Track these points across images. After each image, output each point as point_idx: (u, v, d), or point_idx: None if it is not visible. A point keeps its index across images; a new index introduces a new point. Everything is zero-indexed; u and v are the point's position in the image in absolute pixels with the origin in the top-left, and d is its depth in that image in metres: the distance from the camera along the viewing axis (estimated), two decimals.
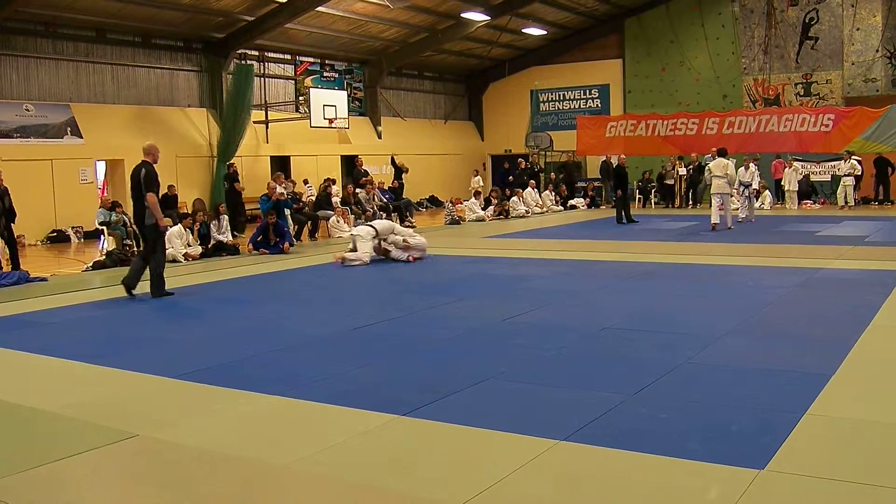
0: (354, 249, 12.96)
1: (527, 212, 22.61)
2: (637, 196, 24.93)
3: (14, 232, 12.95)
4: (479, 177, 25.97)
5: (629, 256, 12.79)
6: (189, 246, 14.13)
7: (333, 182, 19.89)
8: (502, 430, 4.55)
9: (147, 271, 10.06)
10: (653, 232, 16.91)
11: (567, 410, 4.92)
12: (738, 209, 18.56)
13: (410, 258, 12.85)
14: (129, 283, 9.97)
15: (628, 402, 5.04)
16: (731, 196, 17.47)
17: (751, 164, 19.61)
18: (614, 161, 21.59)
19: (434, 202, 27.80)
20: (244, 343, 7.15)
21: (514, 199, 22.61)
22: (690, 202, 24.30)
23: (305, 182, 22.27)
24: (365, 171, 21.51)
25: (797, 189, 22.70)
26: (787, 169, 22.69)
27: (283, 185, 17.05)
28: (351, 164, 22.29)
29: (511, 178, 25.48)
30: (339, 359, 6.49)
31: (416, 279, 11.23)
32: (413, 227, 19.77)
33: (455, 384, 5.53)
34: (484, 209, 22.14)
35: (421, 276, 11.57)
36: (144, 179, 9.79)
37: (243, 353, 6.76)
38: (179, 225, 14.31)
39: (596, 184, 26.57)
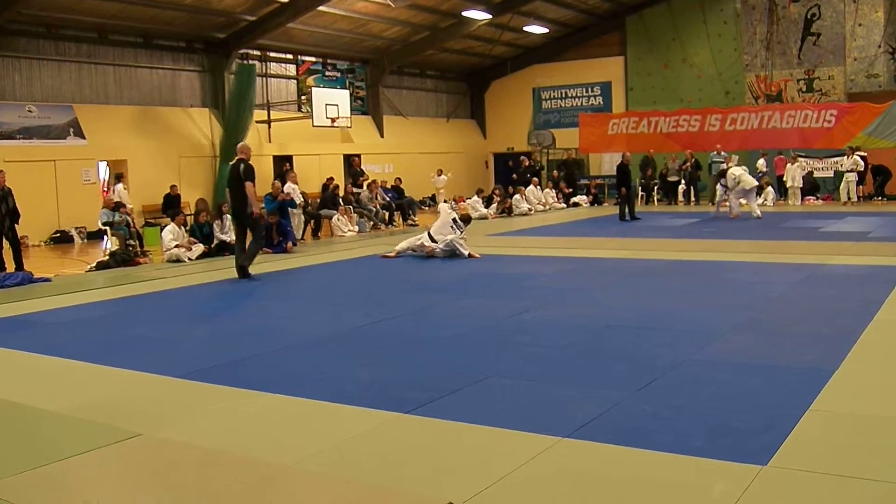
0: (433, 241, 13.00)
1: (530, 209, 22.61)
2: (640, 193, 24.88)
3: (18, 233, 12.97)
4: (443, 176, 25.18)
5: (632, 253, 12.78)
6: (184, 246, 14.05)
7: (332, 180, 19.87)
8: (505, 428, 4.56)
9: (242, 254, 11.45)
10: (656, 229, 16.90)
11: (570, 408, 4.91)
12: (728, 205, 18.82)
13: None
14: (244, 267, 11.37)
15: (631, 400, 5.04)
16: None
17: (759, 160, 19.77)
18: (633, 158, 22.14)
19: (437, 201, 27.78)
20: (247, 342, 7.16)
21: (517, 196, 22.62)
22: (693, 199, 24.24)
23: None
24: (361, 170, 21.51)
25: (801, 185, 22.65)
26: (790, 165, 22.66)
27: (294, 186, 17.06)
28: (350, 163, 22.31)
29: (514, 176, 25.48)
30: (342, 357, 6.50)
31: (419, 278, 11.23)
32: (416, 225, 19.84)
33: (458, 382, 5.53)
34: (487, 207, 22.14)
35: (423, 274, 11.57)
36: (244, 172, 11.15)
37: (246, 352, 6.77)
38: (172, 224, 14.34)
39: (598, 181, 26.54)
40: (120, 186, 18.00)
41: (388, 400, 5.16)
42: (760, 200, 22.33)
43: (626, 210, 19.11)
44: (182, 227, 14.41)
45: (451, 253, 12.89)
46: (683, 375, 5.58)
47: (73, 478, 4.13)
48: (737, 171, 18.64)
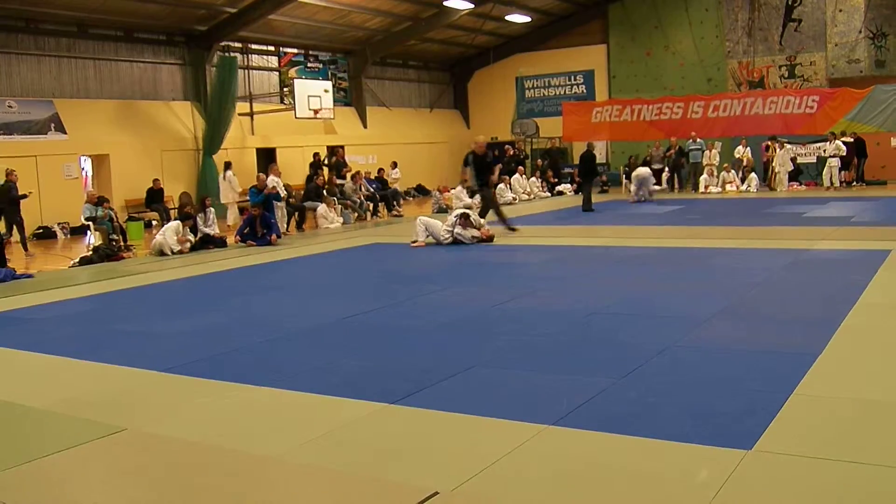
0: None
1: (514, 199, 22.60)
2: (623, 181, 24.91)
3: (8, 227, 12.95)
4: (397, 169, 24.56)
5: (617, 241, 12.82)
6: (182, 244, 14.03)
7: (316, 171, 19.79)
8: (491, 417, 4.57)
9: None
10: (640, 216, 16.94)
11: (555, 395, 4.93)
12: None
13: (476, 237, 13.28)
14: (511, 224, 14.31)
15: (616, 387, 5.06)
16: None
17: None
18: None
19: (421, 191, 27.75)
20: (232, 335, 7.14)
21: (502, 186, 22.57)
22: (677, 186, 24.32)
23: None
24: (343, 161, 21.43)
25: (791, 169, 22.73)
26: (779, 151, 22.69)
27: (278, 175, 16.99)
28: (331, 155, 22.20)
29: (499, 165, 25.39)
30: (328, 349, 6.50)
31: (404, 268, 11.23)
32: (401, 216, 19.81)
33: (443, 372, 5.54)
34: (471, 197, 22.10)
35: (408, 264, 11.56)
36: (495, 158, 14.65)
37: (231, 345, 6.75)
38: (178, 222, 14.35)
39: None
40: (230, 174, 18.76)
41: (374, 390, 5.16)
42: (744, 186, 22.50)
43: (588, 199, 19.08)
44: (186, 227, 14.36)
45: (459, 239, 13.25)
46: (668, 361, 5.61)
47: (58, 474, 4.11)
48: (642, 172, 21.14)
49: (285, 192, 16.99)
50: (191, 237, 14.37)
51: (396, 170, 23.87)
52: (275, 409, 5.00)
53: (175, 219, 14.61)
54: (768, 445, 3.97)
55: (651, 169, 24.84)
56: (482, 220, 13.79)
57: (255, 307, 8.63)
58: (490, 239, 13.32)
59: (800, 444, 3.99)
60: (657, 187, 21.81)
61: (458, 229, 13.24)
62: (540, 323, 7.04)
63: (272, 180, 16.25)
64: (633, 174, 21.58)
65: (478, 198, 21.95)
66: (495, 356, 5.97)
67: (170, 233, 13.99)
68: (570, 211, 18.63)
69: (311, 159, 22.00)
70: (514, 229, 14.29)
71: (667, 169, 24.37)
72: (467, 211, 13.88)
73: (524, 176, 24.27)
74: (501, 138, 29.33)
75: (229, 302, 9.09)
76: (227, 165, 19.33)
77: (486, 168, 14.70)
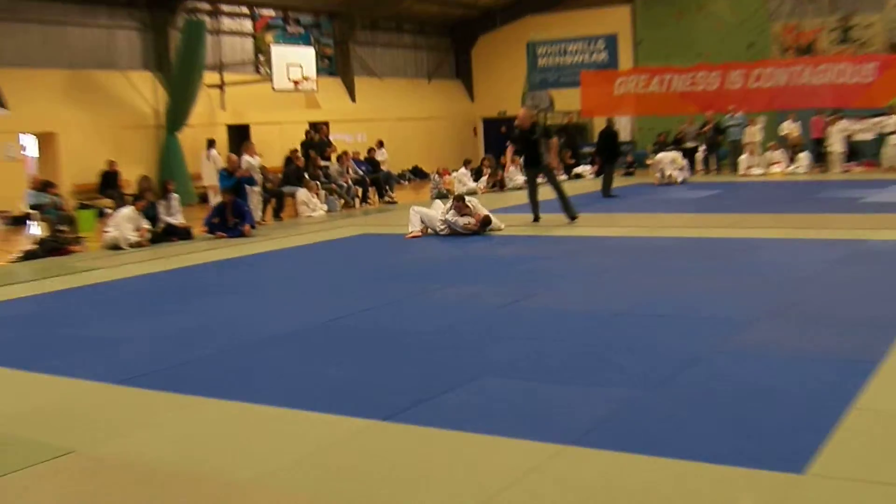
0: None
1: (525, 182, 22.56)
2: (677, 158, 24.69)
3: None
4: (384, 149, 24.67)
5: (642, 231, 12.80)
6: (138, 230, 14.01)
7: (297, 153, 19.75)
8: (500, 435, 4.53)
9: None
10: (670, 202, 16.92)
11: (573, 410, 4.90)
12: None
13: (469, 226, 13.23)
14: (538, 216, 14.08)
15: (645, 399, 5.02)
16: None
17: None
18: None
19: (418, 174, 27.76)
20: (199, 341, 7.12)
21: (512, 168, 22.54)
22: (714, 167, 24.27)
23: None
24: (327, 139, 21.40)
25: (844, 150, 22.65)
26: (830, 128, 22.64)
27: (255, 157, 16.96)
28: (314, 132, 22.18)
29: (508, 144, 25.40)
30: (310, 357, 6.50)
31: (398, 263, 11.23)
32: (394, 203, 19.79)
33: (444, 383, 5.52)
34: (476, 180, 22.11)
35: (403, 258, 11.56)
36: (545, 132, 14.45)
37: (198, 352, 6.74)
38: (131, 208, 14.28)
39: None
40: (214, 152, 18.69)
41: (362, 405, 5.13)
42: (792, 168, 22.46)
43: (608, 184, 19.05)
44: (140, 214, 14.30)
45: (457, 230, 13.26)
46: (704, 370, 5.58)
47: None
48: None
49: (261, 176, 16.97)
50: (146, 224, 14.24)
51: (383, 150, 23.76)
52: (246, 427, 4.97)
53: (126, 205, 14.49)
54: (822, 468, 3.92)
55: (683, 149, 24.81)
56: (476, 203, 13.75)
57: (225, 309, 8.61)
58: (486, 223, 13.26)
59: (859, 467, 3.94)
60: (681, 173, 21.61)
61: (451, 215, 13.22)
62: (555, 326, 7.01)
63: (246, 161, 16.22)
64: (653, 160, 21.90)
65: (483, 181, 22.05)
66: (503, 365, 5.94)
67: (124, 223, 13.91)
68: (589, 196, 18.58)
69: (304, 138, 21.95)
70: (574, 217, 13.95)
71: (702, 148, 24.34)
72: (467, 197, 13.86)
73: None
74: (511, 113, 29.26)
75: (195, 303, 9.09)
76: (211, 143, 19.44)
77: (531, 145, 14.19)
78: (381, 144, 24.03)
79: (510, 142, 15.46)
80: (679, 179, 21.07)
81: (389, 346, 6.69)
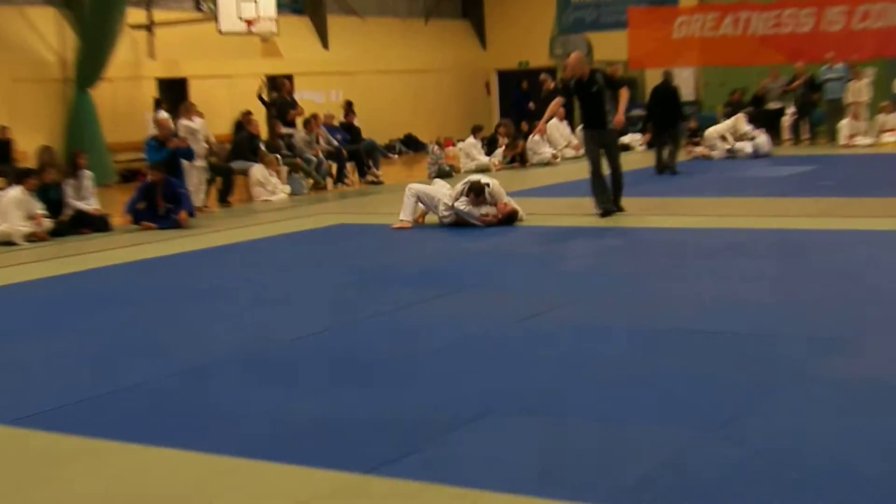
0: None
1: (555, 156, 22.58)
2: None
3: None
4: (353, 114, 24.44)
5: (708, 221, 12.84)
6: (32, 217, 13.97)
7: (250, 115, 19.60)
8: (517, 493, 4.53)
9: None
10: (745, 182, 16.91)
11: (614, 457, 4.92)
12: None
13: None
14: (610, 209, 13.35)
15: (708, 442, 5.04)
16: None
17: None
18: None
19: (411, 144, 27.73)
20: (120, 368, 7.12)
21: (536, 137, 22.50)
22: (806, 136, 24.21)
23: None
24: (292, 99, 21.29)
25: None
26: None
27: (195, 120, 16.94)
28: (275, 89, 22.11)
29: (532, 104, 25.41)
30: (269, 388, 6.47)
31: (388, 262, 11.24)
32: (379, 182, 19.78)
33: (444, 423, 5.52)
34: (489, 154, 22.06)
35: (391, 257, 11.59)
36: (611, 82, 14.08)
37: (119, 382, 6.72)
38: (19, 188, 14.17)
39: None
40: (162, 114, 18.11)
41: (338, 454, 5.13)
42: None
43: (664, 157, 19.15)
44: (34, 195, 14.21)
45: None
46: (790, 403, 5.59)
47: None
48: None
49: (204, 146, 16.95)
50: (39, 209, 14.14)
51: (353, 114, 23.61)
52: (185, 484, 4.96)
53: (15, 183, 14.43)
54: None
55: (764, 111, 24.70)
56: (502, 191, 13.57)
57: (154, 324, 8.62)
58: (511, 218, 13.27)
59: None
60: (753, 138, 21.63)
61: (463, 204, 13.18)
62: (592, 344, 7.04)
63: (183, 127, 16.20)
64: (707, 133, 21.99)
65: (499, 154, 22.02)
66: (522, 397, 5.96)
67: (12, 209, 13.77)
68: (638, 174, 18.57)
69: (261, 96, 21.73)
70: (612, 212, 13.52)
71: (790, 110, 24.27)
72: (486, 179, 13.73)
73: (567, 122, 24.13)
74: (535, 64, 29.27)
75: (114, 316, 9.05)
76: (158, 104, 19.30)
77: (592, 102, 13.68)
78: (349, 107, 23.45)
79: (555, 94, 15.18)
80: (748, 150, 21.09)
81: (377, 372, 6.68)
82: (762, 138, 21.68)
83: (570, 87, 14.06)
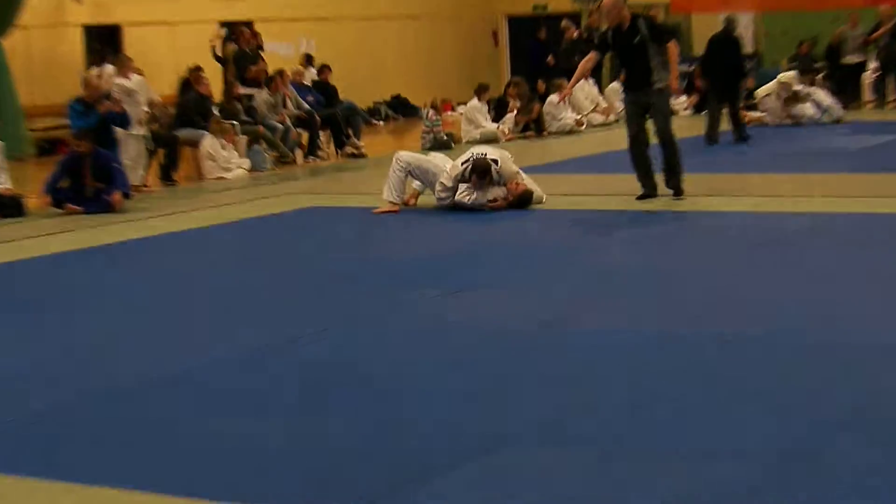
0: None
1: (579, 122, 22.62)
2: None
3: None
4: (313, 68, 24.41)
5: (763, 204, 12.92)
6: None
7: (200, 71, 19.59)
8: None
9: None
10: (811, 156, 16.94)
11: (651, 500, 4.94)
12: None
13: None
14: (651, 193, 13.41)
15: (776, 479, 5.04)
16: None
17: None
18: None
19: (401, 109, 27.78)
20: (35, 387, 7.13)
21: (555, 98, 22.55)
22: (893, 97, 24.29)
23: None
24: (254, 52, 21.29)
25: None
26: None
27: (132, 77, 16.97)
28: (232, 39, 22.15)
29: (551, 58, 25.45)
30: (225, 412, 6.49)
31: (373, 254, 11.32)
32: (361, 156, 19.81)
33: (443, 456, 5.54)
34: (497, 120, 22.08)
35: (376, 248, 11.68)
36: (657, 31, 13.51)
37: (34, 405, 6.73)
38: None
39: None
40: (109, 71, 18.21)
41: (323, 491, 5.14)
42: None
43: (717, 123, 19.26)
44: None
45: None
46: (872, 430, 5.59)
47: None
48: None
49: (143, 110, 16.95)
50: None
51: (312, 69, 23.56)
52: None
53: None
54: None
55: (840, 67, 24.76)
56: (513, 167, 13.54)
57: (79, 332, 8.66)
58: (525, 200, 13.25)
59: None
60: (828, 104, 21.71)
61: (465, 195, 13.10)
62: (625, 357, 7.07)
63: (117, 86, 16.21)
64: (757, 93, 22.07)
65: (509, 120, 22.01)
66: (537, 424, 5.98)
67: None
68: (683, 145, 18.66)
69: (213, 44, 21.79)
70: (681, 191, 13.58)
71: (871, 66, 24.32)
72: (493, 154, 13.63)
73: (593, 80, 24.17)
74: (554, 8, 29.35)
75: (27, 322, 9.07)
76: (102, 57, 19.30)
77: (635, 56, 13.35)
78: (308, 60, 23.46)
79: (589, 49, 15.05)
80: (811, 113, 21.07)
81: (361, 392, 6.71)
82: (826, 99, 21.64)
83: (606, 40, 13.73)
